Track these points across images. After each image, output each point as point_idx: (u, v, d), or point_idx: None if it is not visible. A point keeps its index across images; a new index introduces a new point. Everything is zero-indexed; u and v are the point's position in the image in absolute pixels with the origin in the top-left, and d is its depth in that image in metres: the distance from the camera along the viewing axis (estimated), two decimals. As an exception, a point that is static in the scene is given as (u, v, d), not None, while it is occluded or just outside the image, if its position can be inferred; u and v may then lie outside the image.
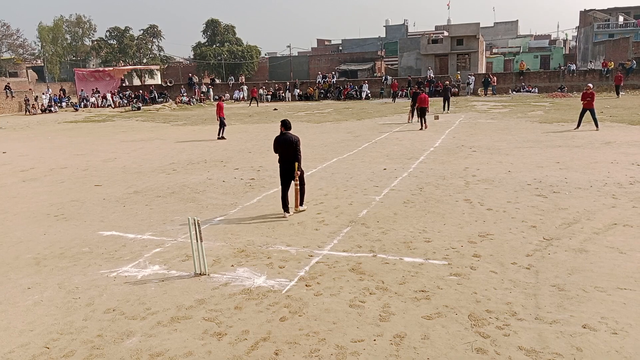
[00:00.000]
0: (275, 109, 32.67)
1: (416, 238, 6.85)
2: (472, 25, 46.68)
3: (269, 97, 42.07)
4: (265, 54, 69.97)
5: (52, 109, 37.33)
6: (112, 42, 61.63)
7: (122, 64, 58.00)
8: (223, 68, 59.16)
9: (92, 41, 63.34)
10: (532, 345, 4.13)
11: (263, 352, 4.20)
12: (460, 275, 5.58)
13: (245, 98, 42.13)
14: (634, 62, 36.60)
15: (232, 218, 8.18)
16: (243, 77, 53.00)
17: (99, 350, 4.34)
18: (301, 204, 8.42)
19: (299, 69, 58.08)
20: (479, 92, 38.13)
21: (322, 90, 42.12)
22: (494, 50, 62.08)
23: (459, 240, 6.70)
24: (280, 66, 61.07)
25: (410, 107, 22.19)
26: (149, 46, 63.91)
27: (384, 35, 64.84)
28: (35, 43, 59.72)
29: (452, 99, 28.91)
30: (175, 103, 40.23)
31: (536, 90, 37.26)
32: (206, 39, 63.20)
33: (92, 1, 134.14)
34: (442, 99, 27.18)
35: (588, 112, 17.09)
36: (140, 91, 44.15)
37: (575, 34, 61.75)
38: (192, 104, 40.59)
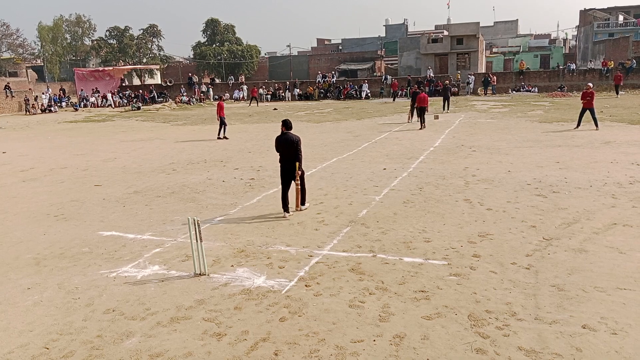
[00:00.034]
0: (275, 109, 32.67)
1: (416, 238, 6.85)
2: (472, 25, 46.67)
3: (269, 96, 42.07)
4: (265, 54, 69.94)
5: (52, 108, 37.32)
6: (111, 41, 61.59)
7: (122, 64, 57.97)
8: (223, 68, 59.14)
9: (92, 41, 63.29)
10: (532, 346, 4.13)
11: (263, 352, 4.20)
12: (459, 275, 5.58)
13: (245, 98, 42.13)
14: (634, 61, 36.60)
15: (231, 218, 8.18)
16: (243, 76, 52.97)
17: (99, 350, 4.34)
18: (302, 204, 8.45)
19: (298, 69, 58.05)
20: (478, 91, 38.11)
21: (322, 90, 42.10)
22: (494, 50, 62.08)
23: (458, 240, 6.70)
24: (280, 66, 61.04)
25: (410, 107, 22.18)
26: (149, 46, 63.86)
27: (384, 35, 64.78)
28: (35, 43, 59.72)
29: (451, 98, 28.90)
30: (175, 103, 40.22)
31: (536, 90, 37.25)
32: (206, 39, 63.16)
33: (91, 1, 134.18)
34: (442, 98, 27.18)
35: (588, 112, 17.09)
36: (140, 91, 44.15)
37: (575, 33, 61.74)
38: (192, 103, 40.58)
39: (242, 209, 8.70)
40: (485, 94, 37.43)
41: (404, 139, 16.58)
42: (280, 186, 8.31)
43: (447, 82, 33.89)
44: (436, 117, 22.30)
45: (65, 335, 4.62)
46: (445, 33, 51.75)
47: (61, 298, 5.42)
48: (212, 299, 5.23)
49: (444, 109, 25.73)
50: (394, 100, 35.62)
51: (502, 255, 6.12)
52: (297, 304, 5.04)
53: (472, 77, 39.21)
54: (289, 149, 8.06)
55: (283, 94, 42.33)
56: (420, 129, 19.00)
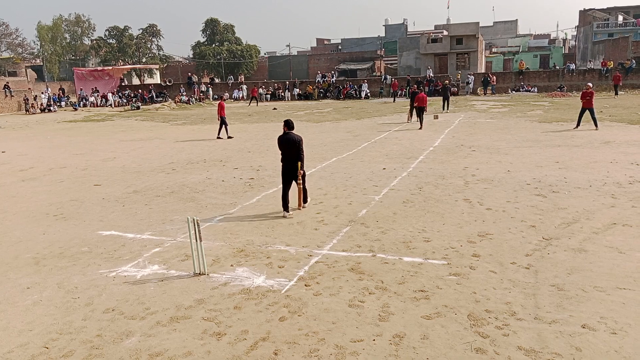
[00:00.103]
0: (274, 109, 32.67)
1: (415, 238, 6.85)
2: (472, 25, 46.69)
3: (269, 96, 42.07)
4: (265, 54, 69.94)
5: (51, 108, 37.30)
6: (111, 41, 61.57)
7: (122, 63, 57.96)
8: (222, 67, 59.14)
9: (91, 40, 63.30)
10: (532, 345, 4.13)
11: (262, 352, 4.20)
12: (459, 275, 5.58)
13: (245, 97, 42.13)
14: (634, 61, 36.61)
15: (231, 218, 8.18)
16: (242, 76, 52.97)
17: (98, 350, 4.34)
18: (305, 202, 8.47)
19: (298, 69, 58.05)
20: (478, 91, 38.13)
21: (321, 90, 42.11)
22: (494, 50, 62.11)
23: (458, 240, 6.70)
24: (280, 65, 61.04)
25: (409, 107, 22.19)
26: (148, 45, 63.85)
27: (384, 35, 64.81)
28: (34, 42, 59.79)
29: (451, 98, 28.91)
30: (175, 102, 40.20)
31: (535, 90, 37.26)
32: (205, 38, 63.15)
33: (91, 0, 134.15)
34: (441, 98, 27.18)
35: (587, 112, 17.10)
36: (140, 90, 44.13)
37: (575, 33, 61.78)
38: (191, 103, 40.56)
39: (241, 209, 8.70)
40: (485, 94, 37.44)
41: (403, 139, 16.58)
42: (281, 185, 8.32)
43: (447, 82, 33.87)
44: (436, 117, 22.30)
45: (64, 335, 4.62)
46: (445, 33, 51.77)
47: (61, 297, 5.41)
48: (212, 299, 5.22)
49: (443, 109, 25.73)
50: (394, 100, 35.60)
51: (502, 254, 6.12)
52: (297, 303, 5.04)
53: (472, 77, 39.22)
54: (290, 149, 8.08)
55: (282, 94, 42.33)
56: (420, 128, 19.01)
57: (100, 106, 40.18)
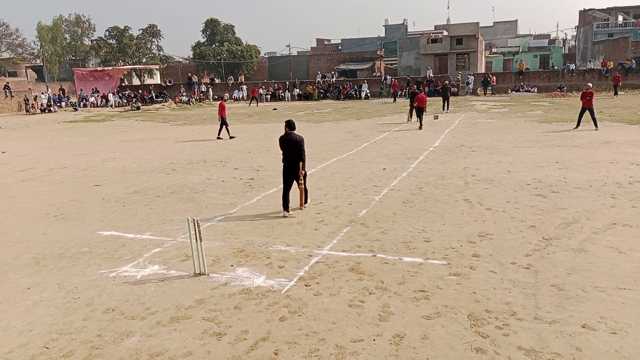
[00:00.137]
0: (274, 109, 32.67)
1: (415, 238, 6.85)
2: (472, 25, 46.69)
3: (269, 96, 42.08)
4: (265, 54, 69.92)
5: (52, 108, 37.31)
6: (111, 41, 61.54)
7: (122, 64, 57.96)
8: (222, 68, 59.12)
9: (92, 41, 63.24)
10: (532, 345, 4.13)
11: (262, 352, 4.20)
12: (459, 275, 5.58)
13: (245, 98, 42.14)
14: (634, 61, 36.62)
15: (231, 218, 8.18)
16: (242, 76, 52.98)
17: (99, 350, 4.34)
18: (305, 202, 8.49)
19: (298, 69, 58.04)
20: (478, 91, 38.13)
21: (321, 90, 42.11)
22: (494, 50, 62.13)
23: (458, 240, 6.71)
24: (280, 66, 61.03)
25: (409, 107, 22.19)
26: (148, 46, 63.82)
27: (384, 35, 64.81)
28: (34, 42, 59.67)
29: (451, 98, 28.91)
30: (175, 103, 40.21)
31: (535, 90, 37.27)
32: (205, 39, 63.14)
33: (91, 1, 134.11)
34: (441, 98, 27.19)
35: (587, 112, 17.10)
36: (140, 91, 44.14)
37: (575, 33, 61.79)
38: (191, 103, 40.57)
39: (241, 209, 8.70)
40: (485, 94, 37.44)
41: (403, 139, 16.58)
42: (282, 185, 8.33)
43: (447, 82, 33.87)
44: (436, 117, 22.31)
45: (65, 335, 4.62)
46: (445, 33, 51.77)
47: (61, 298, 5.41)
48: (212, 299, 5.23)
49: (443, 109, 25.73)
50: (394, 100, 35.56)
51: (502, 255, 6.13)
52: (297, 303, 5.04)
53: (472, 77, 39.23)
54: (292, 149, 8.10)
55: (283, 94, 42.34)
56: (419, 128, 19.00)
57: (100, 106, 40.19)
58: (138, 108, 36.57)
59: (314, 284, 5.49)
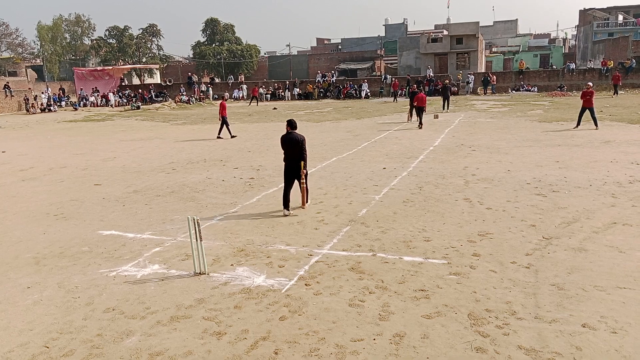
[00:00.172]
0: (274, 108, 32.66)
1: (416, 237, 6.85)
2: (472, 24, 46.68)
3: (269, 96, 42.07)
4: (265, 53, 69.95)
5: (52, 108, 37.31)
6: (111, 41, 61.58)
7: (122, 63, 57.97)
8: (222, 67, 59.15)
9: (92, 40, 63.30)
10: (532, 345, 4.13)
11: (263, 351, 4.20)
12: (459, 274, 5.58)
13: (245, 97, 42.14)
14: (634, 61, 36.60)
15: (231, 217, 8.18)
16: (242, 76, 52.97)
17: (99, 349, 4.34)
18: (307, 201, 8.50)
19: (298, 68, 58.05)
20: (478, 91, 38.11)
21: (321, 90, 42.10)
22: (494, 49, 62.11)
23: (458, 239, 6.70)
24: (280, 65, 61.05)
25: (409, 106, 22.20)
26: (148, 45, 63.87)
27: (384, 34, 64.82)
28: (34, 42, 59.77)
29: (451, 98, 28.90)
30: (175, 102, 40.21)
31: (535, 89, 37.26)
32: (205, 38, 63.16)
33: (91, 0, 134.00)
34: (441, 98, 27.18)
35: (587, 111, 17.09)
36: (140, 90, 44.13)
37: (575, 32, 61.77)
38: (191, 103, 40.56)
39: (241, 208, 8.70)
40: (485, 94, 37.42)
41: (403, 139, 16.58)
42: (284, 184, 8.34)
43: (447, 81, 33.89)
44: (436, 117, 22.31)
45: (65, 334, 4.62)
46: (445, 32, 51.77)
47: (61, 297, 5.41)
48: (212, 298, 5.23)
49: (443, 109, 25.73)
50: (395, 100, 35.49)
51: (502, 254, 6.13)
52: (297, 302, 5.04)
53: (472, 76, 39.21)
54: (293, 148, 8.11)
55: (283, 94, 42.33)
56: (420, 128, 19.00)
57: (100, 106, 40.19)
58: (138, 107, 36.56)
59: (314, 283, 5.49)
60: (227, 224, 7.81)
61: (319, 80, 43.29)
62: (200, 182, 10.95)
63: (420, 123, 19.32)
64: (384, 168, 11.68)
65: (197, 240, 5.71)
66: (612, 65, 36.96)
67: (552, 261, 5.84)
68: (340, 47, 67.96)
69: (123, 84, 47.36)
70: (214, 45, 61.78)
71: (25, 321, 4.91)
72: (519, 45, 61.77)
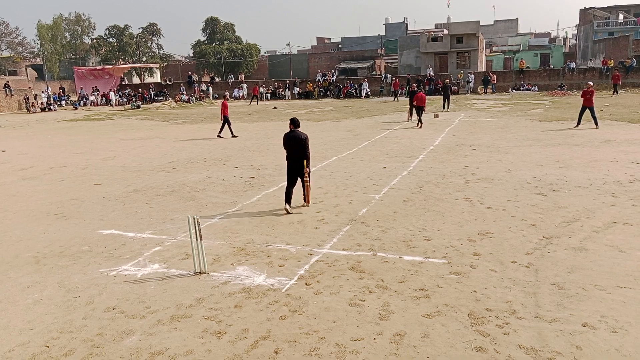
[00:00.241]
0: (275, 108, 32.65)
1: (416, 237, 6.85)
2: (472, 24, 46.66)
3: (269, 95, 42.06)
4: (265, 52, 69.93)
5: (52, 107, 37.31)
6: (111, 40, 61.57)
7: (122, 62, 57.96)
8: (222, 66, 59.14)
9: (92, 39, 63.28)
10: (532, 344, 4.13)
11: (263, 350, 4.20)
12: (460, 273, 5.58)
13: (245, 96, 42.12)
14: (634, 60, 36.57)
15: (231, 217, 8.18)
16: (242, 75, 52.97)
17: (99, 348, 4.34)
18: (310, 199, 8.53)
19: (298, 67, 58.06)
20: (478, 90, 38.08)
21: (321, 89, 42.08)
22: (494, 49, 62.10)
23: (458, 238, 6.70)
24: (280, 64, 61.07)
25: (409, 106, 22.20)
26: (149, 44, 63.87)
27: (384, 34, 64.80)
28: (34, 41, 59.71)
29: (452, 97, 28.89)
30: (175, 101, 40.19)
31: (536, 89, 37.23)
32: (206, 37, 63.15)
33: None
34: (441, 97, 27.17)
35: (588, 110, 17.08)
36: (140, 89, 44.13)
37: (575, 32, 61.73)
38: (191, 102, 40.54)
39: (242, 208, 8.70)
40: (485, 93, 37.39)
41: (403, 138, 16.57)
42: (286, 183, 8.35)
43: (447, 80, 33.87)
44: (436, 116, 22.30)
45: (65, 334, 4.62)
46: (445, 32, 51.74)
47: (61, 296, 5.42)
48: (212, 298, 5.23)
49: (444, 108, 25.72)
50: (396, 99, 35.42)
51: (502, 253, 6.12)
52: (297, 302, 5.04)
53: (472, 75, 39.19)
54: (296, 147, 8.13)
55: (283, 93, 42.31)
56: (419, 128, 18.99)
57: (100, 105, 40.18)
58: (138, 107, 36.56)
59: (315, 282, 5.49)
60: (227, 223, 7.81)
61: (319, 80, 43.27)
62: (200, 182, 10.95)
63: (420, 122, 19.32)
64: (384, 167, 11.67)
65: (197, 239, 5.71)
66: (612, 64, 36.93)
67: (553, 260, 5.84)
68: (340, 46, 67.95)
69: (123, 83, 47.36)
70: (214, 44, 61.76)
71: (25, 320, 4.91)
72: (520, 45, 61.77)
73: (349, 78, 44.55)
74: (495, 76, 39.32)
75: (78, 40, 62.63)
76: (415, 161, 12.31)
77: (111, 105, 39.76)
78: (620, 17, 57.31)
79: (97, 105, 40.21)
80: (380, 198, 8.95)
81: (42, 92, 39.98)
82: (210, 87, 44.26)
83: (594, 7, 59.11)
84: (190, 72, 51.73)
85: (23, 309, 5.17)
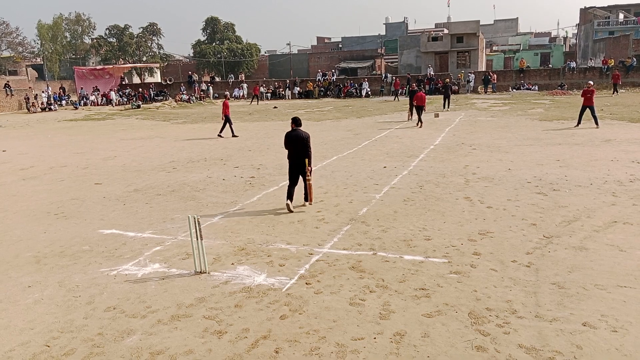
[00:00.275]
0: (275, 107, 32.66)
1: (416, 236, 6.85)
2: (472, 23, 46.65)
3: (269, 95, 42.07)
4: (265, 52, 69.96)
5: (52, 107, 37.33)
6: (111, 40, 61.61)
7: (122, 62, 57.97)
8: (223, 66, 59.14)
9: (92, 39, 63.32)
10: (532, 343, 4.13)
11: (263, 350, 4.21)
12: (460, 273, 5.58)
13: (245, 96, 42.13)
14: (634, 59, 36.56)
15: (232, 216, 8.18)
16: (243, 75, 52.97)
17: (100, 348, 4.34)
18: (306, 200, 8.53)
19: (298, 67, 58.08)
20: (479, 89, 38.08)
21: (322, 88, 42.08)
22: (494, 48, 62.10)
23: (459, 238, 6.70)
24: (280, 64, 61.08)
25: (409, 105, 22.20)
26: (149, 44, 63.88)
27: (384, 33, 64.80)
28: (34, 41, 59.73)
29: (452, 96, 28.89)
30: (175, 101, 40.20)
31: (536, 88, 37.23)
32: (206, 37, 63.15)
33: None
34: (442, 96, 27.17)
35: (588, 110, 17.08)
36: (140, 89, 44.13)
37: (576, 31, 61.70)
38: (191, 102, 40.56)
39: (242, 207, 8.70)
40: (486, 92, 37.40)
41: (404, 137, 16.57)
42: (288, 181, 8.36)
43: (448, 80, 33.89)
44: (436, 115, 22.30)
45: (66, 333, 4.62)
46: (446, 31, 51.73)
47: (62, 296, 5.42)
48: (213, 297, 5.23)
49: (444, 107, 25.72)
50: (396, 99, 35.41)
51: (503, 253, 6.12)
52: (298, 301, 5.04)
53: (472, 75, 39.19)
54: (298, 145, 8.15)
55: (283, 92, 42.32)
56: (420, 127, 18.99)
57: (101, 105, 40.19)
58: (138, 106, 36.58)
59: (315, 282, 5.49)
60: (227, 222, 7.82)
61: (319, 79, 43.27)
62: (200, 181, 10.96)
63: (420, 121, 19.31)
64: (385, 167, 11.67)
65: (197, 239, 5.71)
66: (612, 64, 36.92)
67: (553, 260, 5.84)
68: (340, 45, 67.95)
69: (123, 83, 47.38)
70: (214, 44, 61.78)
71: (26, 320, 4.91)
72: (520, 44, 61.77)
73: (349, 78, 44.55)
74: (495, 76, 39.33)
75: (78, 40, 62.68)
76: (415, 160, 12.31)
77: (111, 105, 39.78)
78: (621, 16, 57.31)
79: (98, 105, 40.25)
80: (380, 197, 8.95)
81: (43, 92, 40.00)
82: (211, 87, 44.28)
83: (594, 7, 59.07)
84: (190, 72, 51.74)
85: (24, 308, 5.18)
